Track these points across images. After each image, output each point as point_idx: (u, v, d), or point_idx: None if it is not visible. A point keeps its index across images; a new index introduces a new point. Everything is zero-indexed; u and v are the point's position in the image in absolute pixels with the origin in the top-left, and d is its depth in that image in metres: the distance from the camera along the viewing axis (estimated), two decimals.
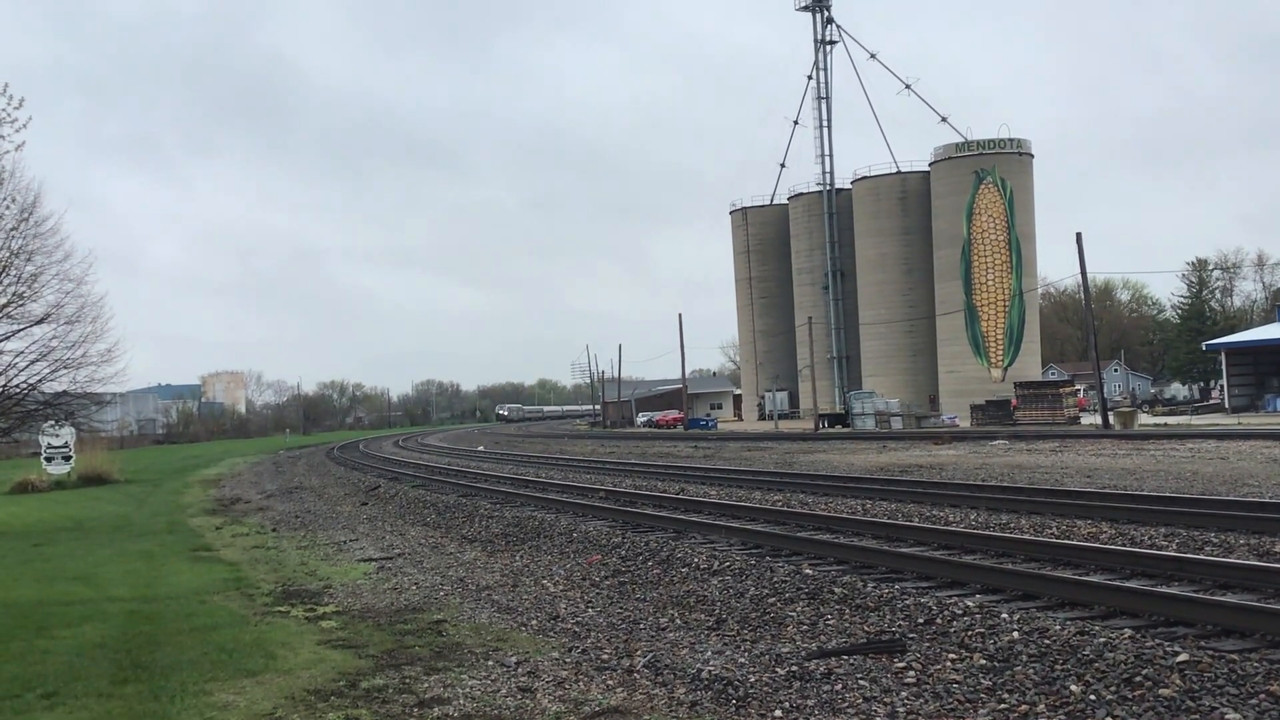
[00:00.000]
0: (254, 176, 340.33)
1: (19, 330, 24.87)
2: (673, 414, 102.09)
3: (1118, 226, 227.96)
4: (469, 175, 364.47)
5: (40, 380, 25.68)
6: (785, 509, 19.22)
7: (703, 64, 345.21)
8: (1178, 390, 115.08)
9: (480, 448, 64.99)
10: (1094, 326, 58.68)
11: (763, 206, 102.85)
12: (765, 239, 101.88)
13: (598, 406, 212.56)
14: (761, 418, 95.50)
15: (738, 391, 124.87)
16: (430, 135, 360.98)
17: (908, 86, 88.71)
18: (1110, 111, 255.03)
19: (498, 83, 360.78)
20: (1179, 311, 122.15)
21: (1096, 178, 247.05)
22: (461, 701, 8.41)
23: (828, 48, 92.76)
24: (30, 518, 28.33)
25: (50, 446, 40.72)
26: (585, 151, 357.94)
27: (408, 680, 9.13)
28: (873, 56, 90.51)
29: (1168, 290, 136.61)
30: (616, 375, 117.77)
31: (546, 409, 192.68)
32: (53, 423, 32.35)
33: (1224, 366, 68.23)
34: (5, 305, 24.16)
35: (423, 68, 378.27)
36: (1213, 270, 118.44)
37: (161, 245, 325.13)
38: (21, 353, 24.96)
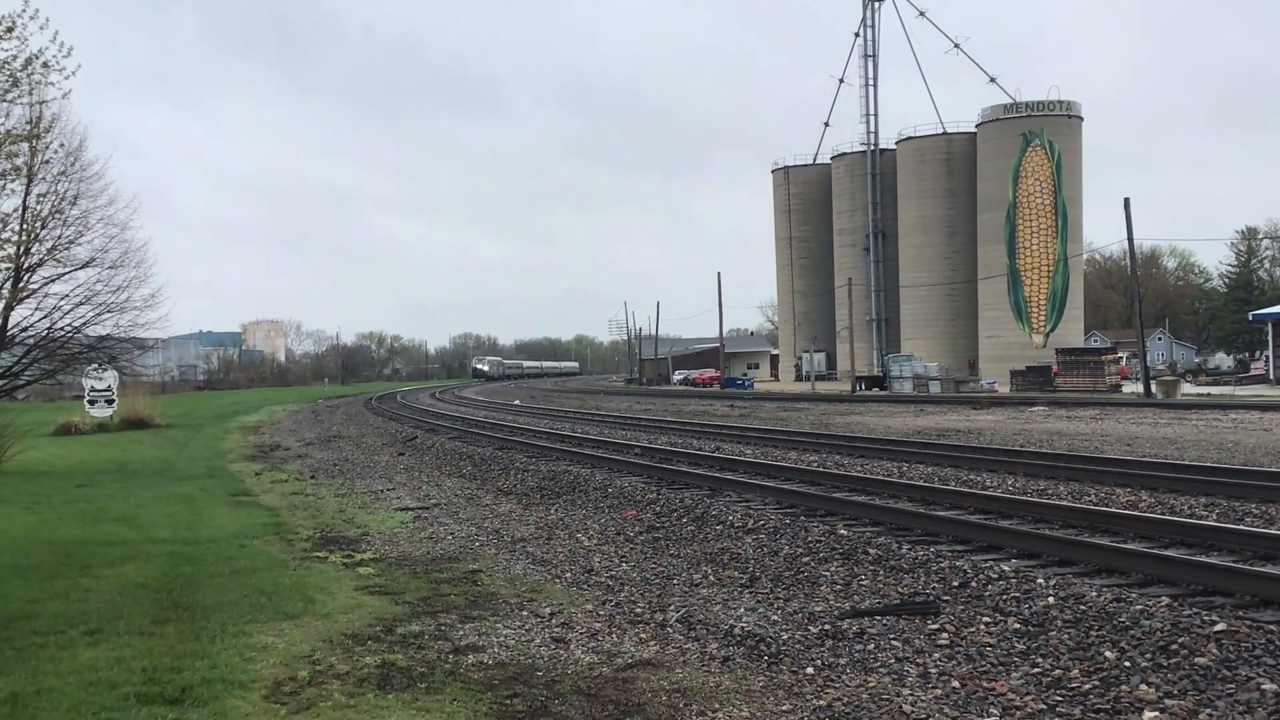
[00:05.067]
0: (280, 113, 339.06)
1: (65, 273, 25.15)
2: (709, 373, 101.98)
3: (1180, 188, 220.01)
4: (504, 117, 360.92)
5: (84, 323, 25.99)
6: (821, 469, 19.18)
7: (752, 4, 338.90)
8: (1222, 360, 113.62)
9: (516, 402, 65.31)
10: (1139, 294, 57.90)
11: (805, 166, 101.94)
12: (807, 198, 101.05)
13: (574, 365, 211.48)
14: (798, 379, 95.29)
15: (775, 352, 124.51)
16: (462, 73, 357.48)
17: (956, 46, 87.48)
18: (1190, 61, 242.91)
19: (534, 15, 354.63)
20: (1226, 280, 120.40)
21: (1165, 134, 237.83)
22: (496, 650, 8.49)
23: (876, 4, 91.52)
24: (73, 459, 28.82)
25: (93, 390, 41.33)
26: (627, 95, 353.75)
27: (443, 627, 9.23)
28: (921, 14, 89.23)
29: (1215, 258, 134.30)
30: (654, 333, 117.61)
31: (526, 364, 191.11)
32: (96, 366, 32.70)
33: (1270, 337, 67.02)
34: (52, 248, 24.43)
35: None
36: (1262, 239, 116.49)
37: (189, 187, 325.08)
38: (67, 296, 25.22)
